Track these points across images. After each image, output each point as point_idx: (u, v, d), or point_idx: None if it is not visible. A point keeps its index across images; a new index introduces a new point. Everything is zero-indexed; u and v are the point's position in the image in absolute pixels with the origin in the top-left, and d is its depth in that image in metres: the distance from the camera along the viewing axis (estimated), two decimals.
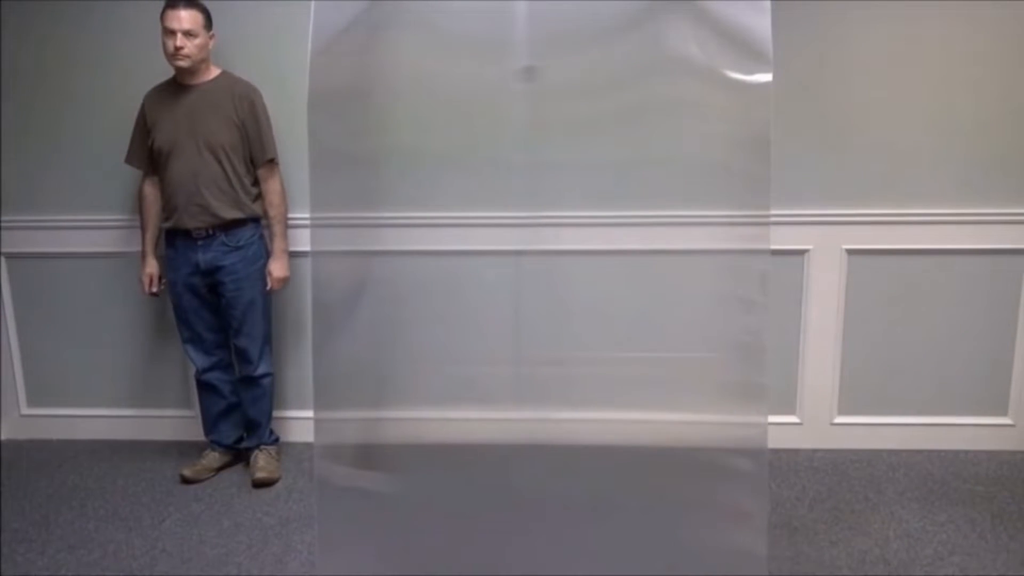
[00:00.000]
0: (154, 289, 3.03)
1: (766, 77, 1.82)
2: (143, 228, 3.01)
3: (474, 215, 2.94)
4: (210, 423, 3.11)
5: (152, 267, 3.01)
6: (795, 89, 2.92)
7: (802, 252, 3.06)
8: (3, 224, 3.26)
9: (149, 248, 3.01)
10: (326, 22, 1.85)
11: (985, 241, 3.00)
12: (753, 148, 1.92)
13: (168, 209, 2.90)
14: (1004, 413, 3.12)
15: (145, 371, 3.34)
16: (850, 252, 3.05)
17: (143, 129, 2.91)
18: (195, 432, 3.22)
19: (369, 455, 2.46)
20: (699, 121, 2.17)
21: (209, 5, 2.85)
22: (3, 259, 3.30)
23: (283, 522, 2.72)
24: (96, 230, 3.22)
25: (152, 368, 3.34)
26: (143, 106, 2.91)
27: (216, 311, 3.00)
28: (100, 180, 3.17)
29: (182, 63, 2.78)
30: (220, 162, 2.83)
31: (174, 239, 2.92)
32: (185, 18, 2.74)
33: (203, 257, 2.89)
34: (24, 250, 3.28)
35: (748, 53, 1.83)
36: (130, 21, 3.05)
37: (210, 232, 2.87)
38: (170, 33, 2.75)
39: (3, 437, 3.43)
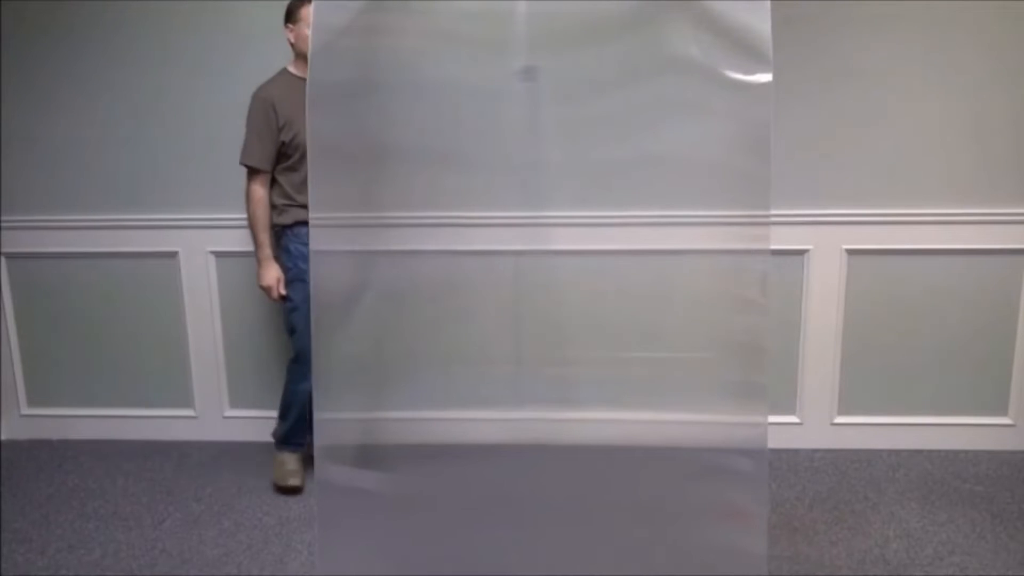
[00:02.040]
0: (283, 291, 2.89)
1: (766, 77, 1.81)
2: (261, 231, 2.85)
3: (474, 215, 2.93)
4: (307, 426, 2.92)
5: (278, 269, 2.89)
6: (795, 89, 2.92)
7: (802, 252, 3.06)
8: (3, 224, 3.26)
9: (271, 251, 2.88)
10: (326, 22, 1.85)
11: (985, 241, 3.00)
12: (753, 148, 1.91)
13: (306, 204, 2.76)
14: (1004, 413, 3.12)
15: (145, 371, 3.34)
16: (850, 252, 3.05)
17: (274, 129, 2.80)
18: (195, 432, 3.23)
19: (369, 455, 2.46)
20: (699, 121, 2.17)
21: (209, 5, 2.85)
22: (3, 259, 3.30)
23: (283, 522, 2.72)
24: (96, 230, 3.22)
25: (152, 368, 3.34)
26: (270, 104, 2.78)
27: None
28: (100, 180, 3.17)
29: None
30: None
31: (302, 232, 2.80)
32: None
33: None
34: (24, 250, 3.28)
35: (748, 53, 1.82)
36: (130, 21, 3.05)
37: None
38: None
39: (3, 437, 3.43)
